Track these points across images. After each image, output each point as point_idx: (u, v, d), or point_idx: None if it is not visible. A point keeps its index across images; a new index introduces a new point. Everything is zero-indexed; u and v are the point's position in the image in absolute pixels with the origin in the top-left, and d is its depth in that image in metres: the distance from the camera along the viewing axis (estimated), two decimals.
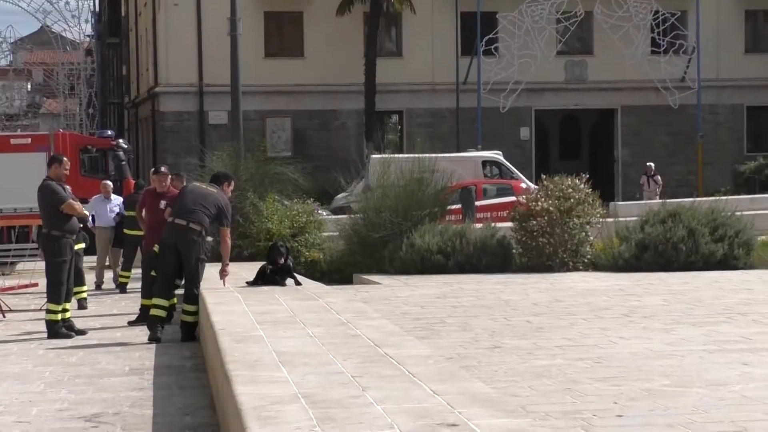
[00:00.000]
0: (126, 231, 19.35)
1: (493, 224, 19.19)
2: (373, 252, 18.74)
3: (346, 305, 11.65)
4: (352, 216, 20.06)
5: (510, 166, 33.41)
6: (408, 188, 19.17)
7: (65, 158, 13.86)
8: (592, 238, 18.71)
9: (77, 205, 13.53)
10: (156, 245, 13.64)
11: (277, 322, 10.24)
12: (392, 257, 18.33)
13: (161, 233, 13.45)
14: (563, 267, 18.17)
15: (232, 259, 18.63)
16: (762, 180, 41.38)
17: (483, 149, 37.17)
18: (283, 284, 13.88)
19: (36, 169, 23.84)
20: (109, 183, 21.76)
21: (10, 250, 24.59)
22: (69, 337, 13.32)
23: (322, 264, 19.43)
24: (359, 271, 18.61)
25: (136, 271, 17.51)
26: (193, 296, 13.01)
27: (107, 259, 20.69)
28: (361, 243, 19.15)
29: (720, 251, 18.16)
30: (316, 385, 6.92)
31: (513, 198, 23.96)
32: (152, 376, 10.72)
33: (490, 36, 41.94)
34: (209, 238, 14.21)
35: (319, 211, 21.41)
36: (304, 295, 12.75)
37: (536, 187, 21.79)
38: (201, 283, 13.23)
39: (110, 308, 16.89)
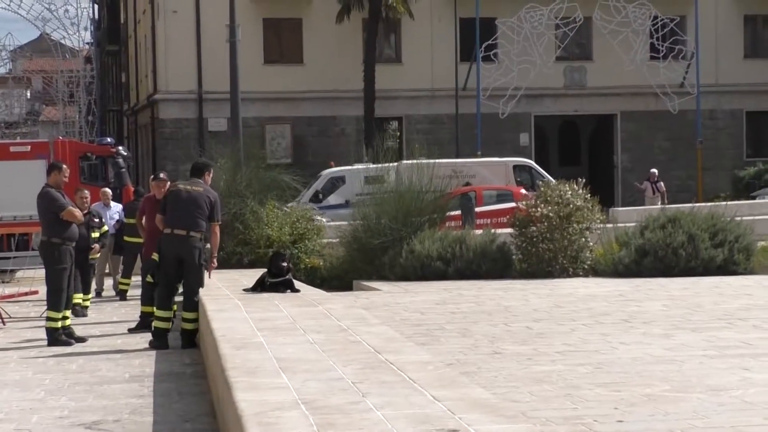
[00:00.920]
0: (126, 238, 19.36)
1: (492, 230, 19.21)
2: (373, 258, 18.75)
3: (346, 312, 11.65)
4: (352, 222, 20.07)
5: (540, 169, 33.11)
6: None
7: (65, 165, 13.86)
8: (591, 243, 18.72)
9: (77, 212, 13.55)
10: (155, 254, 13.54)
11: (278, 328, 10.23)
12: (392, 264, 18.34)
13: None
14: (563, 273, 18.18)
15: (234, 267, 18.72)
16: (761, 185, 41.36)
17: (482, 155, 37.14)
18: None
19: (35, 176, 23.78)
20: (109, 190, 21.79)
21: (9, 258, 24.58)
22: (69, 344, 13.32)
23: (322, 271, 19.45)
24: (359, 277, 18.62)
25: (136, 279, 17.49)
26: (193, 304, 12.99)
27: (107, 266, 20.70)
28: (361, 250, 19.16)
29: (720, 256, 18.15)
30: (317, 392, 6.92)
31: (512, 204, 23.97)
32: (152, 383, 10.71)
33: (489, 42, 41.94)
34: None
35: (318, 218, 21.39)
36: (304, 302, 12.74)
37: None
38: (200, 291, 13.21)
39: (110, 315, 16.88)
